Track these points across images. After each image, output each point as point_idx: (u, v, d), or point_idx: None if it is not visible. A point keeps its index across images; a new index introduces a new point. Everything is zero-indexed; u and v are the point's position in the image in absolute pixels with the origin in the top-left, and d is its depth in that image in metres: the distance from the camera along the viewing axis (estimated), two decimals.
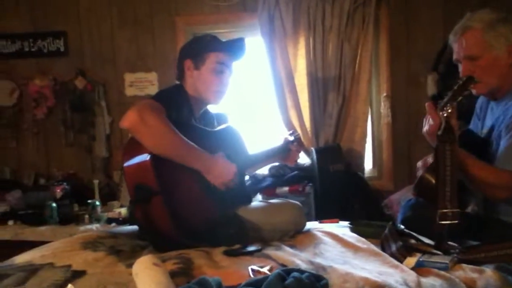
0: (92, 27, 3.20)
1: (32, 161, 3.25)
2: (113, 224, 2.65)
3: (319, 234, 1.63)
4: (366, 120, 2.97)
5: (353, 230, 1.68)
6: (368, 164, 3.12)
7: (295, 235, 1.68)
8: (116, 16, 3.18)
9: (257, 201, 1.88)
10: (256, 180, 2.85)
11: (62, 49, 3.20)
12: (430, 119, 1.52)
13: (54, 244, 1.42)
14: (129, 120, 1.43)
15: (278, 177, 2.82)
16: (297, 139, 2.20)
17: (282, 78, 2.99)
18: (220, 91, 1.79)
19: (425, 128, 1.56)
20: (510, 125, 1.58)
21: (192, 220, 1.54)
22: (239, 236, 1.62)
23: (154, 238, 1.50)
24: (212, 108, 2.95)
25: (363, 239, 1.56)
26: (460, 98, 1.43)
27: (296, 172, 2.84)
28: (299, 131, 2.99)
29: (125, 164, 1.51)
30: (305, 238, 1.61)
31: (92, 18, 3.19)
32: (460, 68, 1.70)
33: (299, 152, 2.17)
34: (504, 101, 1.68)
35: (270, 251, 1.44)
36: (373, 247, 1.48)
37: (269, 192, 2.77)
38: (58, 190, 2.81)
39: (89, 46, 3.21)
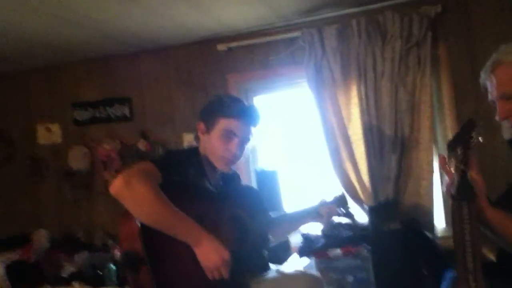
0: (152, 91, 3.36)
1: (102, 222, 3.41)
2: None
3: None
4: (432, 171, 2.64)
5: None
6: (441, 222, 2.77)
7: None
8: (173, 78, 3.31)
9: (275, 270, 1.71)
10: (309, 240, 2.66)
11: (127, 114, 3.40)
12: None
13: None
14: (115, 186, 1.40)
15: (331, 238, 2.60)
16: (338, 200, 2.03)
17: (335, 129, 2.82)
18: (225, 157, 1.71)
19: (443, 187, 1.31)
20: None
21: None
22: None
23: None
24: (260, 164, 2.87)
25: None
26: (465, 147, 1.19)
27: (351, 232, 2.59)
28: (356, 185, 2.77)
29: (120, 229, 1.49)
30: None
31: (151, 82, 3.36)
32: (497, 109, 1.44)
33: (332, 215, 2.00)
34: None
35: None
36: None
37: (321, 254, 2.56)
38: (117, 252, 2.90)
39: (151, 110, 3.37)
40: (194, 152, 1.74)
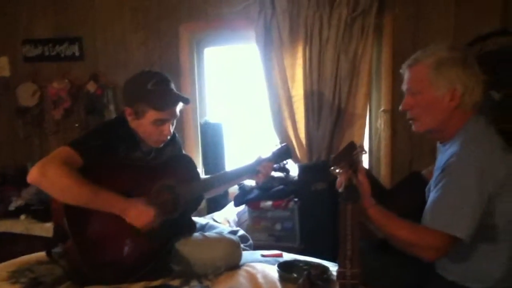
0: (105, 32, 3.34)
1: None
2: None
3: (241, 276, 1.65)
4: (362, 135, 2.85)
5: (279, 274, 1.67)
6: None
7: (224, 272, 1.73)
8: (128, 22, 3.28)
9: (198, 233, 1.90)
10: (244, 191, 2.87)
11: (77, 54, 3.39)
12: None
13: None
14: (30, 176, 1.52)
15: (265, 190, 2.81)
16: (275, 156, 2.12)
17: (278, 88, 2.94)
18: (160, 140, 1.82)
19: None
20: (438, 178, 1.47)
21: (111, 263, 1.60)
22: (162, 271, 1.69)
23: (72, 273, 1.61)
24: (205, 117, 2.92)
25: (278, 286, 1.56)
26: (347, 161, 1.37)
27: (282, 186, 2.82)
28: (294, 143, 2.95)
29: (50, 205, 1.61)
30: (224, 280, 1.65)
31: (105, 23, 3.33)
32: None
33: (269, 172, 2.09)
34: (446, 146, 1.57)
35: None
36: None
37: (254, 205, 2.79)
38: None
39: (102, 51, 3.36)
40: (123, 124, 1.78)
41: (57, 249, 1.64)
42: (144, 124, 1.76)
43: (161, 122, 1.76)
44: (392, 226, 1.46)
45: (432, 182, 1.56)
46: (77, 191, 1.52)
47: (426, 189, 1.63)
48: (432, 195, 1.47)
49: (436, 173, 1.54)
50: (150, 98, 1.72)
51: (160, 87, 1.74)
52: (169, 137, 1.85)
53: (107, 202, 1.58)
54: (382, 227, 1.47)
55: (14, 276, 1.55)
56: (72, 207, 1.53)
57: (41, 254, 1.80)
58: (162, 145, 1.87)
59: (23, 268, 1.62)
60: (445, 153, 1.54)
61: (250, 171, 2.06)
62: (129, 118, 1.78)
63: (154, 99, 1.72)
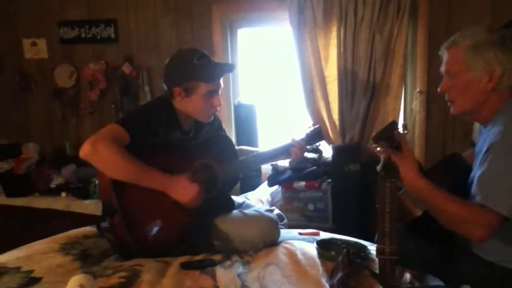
0: (138, 15, 3.38)
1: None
2: None
3: (280, 252, 1.69)
4: (397, 117, 2.83)
5: (317, 251, 1.70)
6: None
7: (263, 248, 1.77)
8: (160, 4, 3.31)
9: (237, 210, 1.95)
10: (277, 171, 2.91)
11: (112, 36, 3.44)
12: None
13: (35, 245, 1.65)
14: (83, 151, 1.57)
15: (298, 171, 2.84)
16: (308, 137, 2.17)
17: (312, 69, 2.94)
18: (212, 112, 1.88)
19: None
20: (483, 158, 1.47)
21: (155, 237, 1.66)
22: (204, 247, 1.76)
23: (119, 247, 1.68)
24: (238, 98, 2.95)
25: (317, 263, 1.60)
26: (389, 140, 1.38)
27: (315, 167, 2.84)
28: (327, 124, 2.96)
29: (98, 181, 1.68)
30: (264, 256, 1.69)
31: (138, 6, 3.37)
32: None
33: (302, 153, 2.12)
34: (487, 128, 1.56)
35: (218, 269, 1.56)
36: (319, 274, 1.52)
37: (287, 185, 2.83)
38: None
39: (136, 33, 3.41)
40: (165, 105, 1.83)
41: (104, 224, 1.71)
42: (195, 100, 1.81)
43: (211, 94, 1.82)
44: (442, 199, 1.42)
45: (475, 164, 1.56)
46: (125, 167, 1.58)
47: (472, 175, 1.61)
48: (478, 173, 1.45)
49: (479, 154, 1.54)
50: (200, 72, 1.78)
51: (205, 60, 1.81)
52: (218, 108, 1.90)
53: (153, 178, 1.64)
54: (430, 200, 1.44)
55: (65, 248, 1.63)
56: (120, 183, 1.59)
57: (87, 229, 1.88)
58: (212, 118, 1.93)
59: (72, 241, 1.70)
60: (487, 134, 1.54)
61: (283, 152, 2.11)
62: (178, 98, 1.82)
63: (203, 72, 1.78)
